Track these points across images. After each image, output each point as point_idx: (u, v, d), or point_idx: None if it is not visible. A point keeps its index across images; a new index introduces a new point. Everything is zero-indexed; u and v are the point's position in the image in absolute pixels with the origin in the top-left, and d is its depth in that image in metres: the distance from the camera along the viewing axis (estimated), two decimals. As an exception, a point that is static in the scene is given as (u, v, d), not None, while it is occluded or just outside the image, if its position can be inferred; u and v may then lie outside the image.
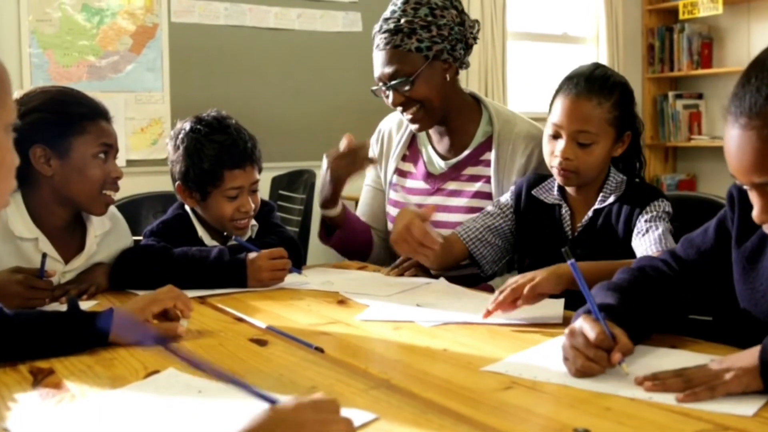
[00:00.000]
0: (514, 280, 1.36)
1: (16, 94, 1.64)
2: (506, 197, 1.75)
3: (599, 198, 1.60)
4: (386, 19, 1.83)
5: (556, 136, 1.56)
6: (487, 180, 1.89)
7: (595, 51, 5.22)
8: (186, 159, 1.78)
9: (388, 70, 1.82)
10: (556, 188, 1.65)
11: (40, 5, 3.46)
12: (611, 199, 1.58)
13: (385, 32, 1.82)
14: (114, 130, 1.67)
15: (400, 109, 1.89)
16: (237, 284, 1.67)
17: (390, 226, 2.03)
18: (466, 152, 1.94)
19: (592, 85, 1.52)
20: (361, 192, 2.18)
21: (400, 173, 2.05)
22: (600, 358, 1.03)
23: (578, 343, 1.05)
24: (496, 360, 1.13)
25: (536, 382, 1.03)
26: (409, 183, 2.02)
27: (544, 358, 1.13)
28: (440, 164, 1.98)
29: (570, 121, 1.52)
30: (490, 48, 4.64)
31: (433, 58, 1.82)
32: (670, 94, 5.33)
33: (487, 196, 1.89)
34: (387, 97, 1.87)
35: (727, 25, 5.17)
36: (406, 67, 1.81)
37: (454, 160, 1.96)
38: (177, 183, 1.82)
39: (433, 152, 2.00)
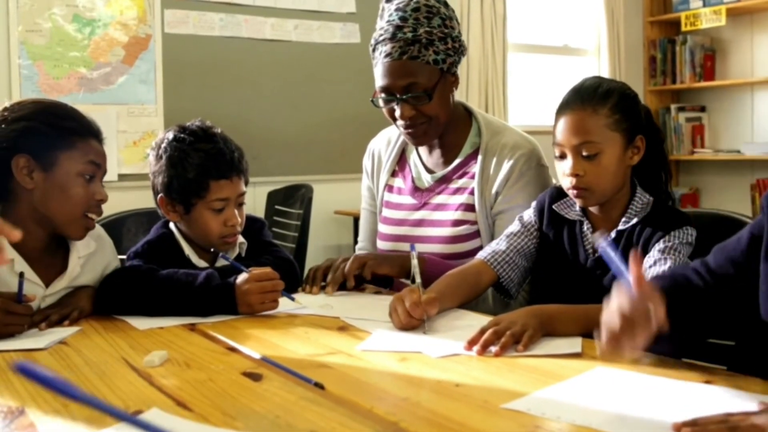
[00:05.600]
0: (507, 326, 1.27)
1: (6, 102, 1.58)
2: (529, 214, 1.65)
3: (623, 219, 1.52)
4: (399, 27, 1.71)
5: (562, 156, 1.51)
6: (472, 192, 1.82)
7: (597, 63, 5.14)
8: (169, 169, 1.69)
9: (403, 81, 1.72)
10: (578, 204, 1.57)
11: (30, 15, 3.37)
12: (634, 221, 1.50)
13: (399, 41, 1.71)
14: (104, 151, 1.60)
15: (402, 123, 1.78)
16: (227, 311, 1.55)
17: (379, 243, 1.96)
18: (452, 165, 1.87)
19: (583, 95, 1.49)
20: (360, 214, 2.10)
21: (390, 189, 1.98)
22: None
23: None
24: (515, 397, 1.02)
25: (563, 425, 0.93)
26: (398, 198, 1.95)
27: (567, 394, 1.04)
28: (427, 178, 1.91)
29: (569, 136, 1.47)
30: (491, 60, 4.55)
31: (446, 72, 1.75)
32: (673, 106, 5.26)
33: (471, 208, 1.81)
34: (393, 109, 1.77)
35: (729, 37, 5.10)
36: (423, 80, 1.72)
37: (440, 174, 1.89)
38: (159, 196, 1.72)
39: (422, 166, 1.93)
